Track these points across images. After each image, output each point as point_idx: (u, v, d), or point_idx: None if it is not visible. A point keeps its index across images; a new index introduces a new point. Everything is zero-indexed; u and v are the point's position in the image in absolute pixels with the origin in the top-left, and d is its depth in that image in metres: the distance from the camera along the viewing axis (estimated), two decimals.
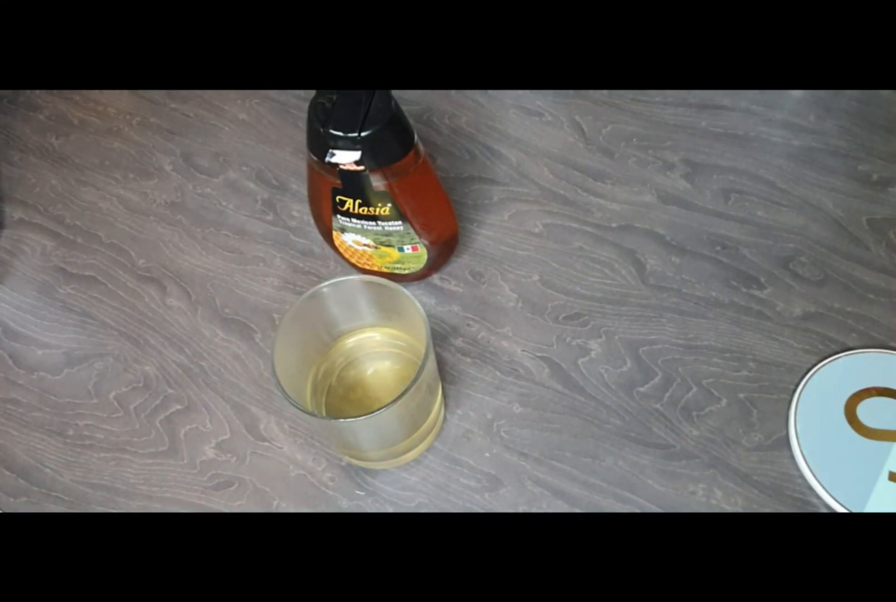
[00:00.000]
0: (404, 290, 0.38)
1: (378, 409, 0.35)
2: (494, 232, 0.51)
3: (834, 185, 0.51)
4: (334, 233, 0.43)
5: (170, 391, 0.47)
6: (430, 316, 0.48)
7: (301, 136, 0.57)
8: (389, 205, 0.39)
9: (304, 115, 0.58)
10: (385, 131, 0.37)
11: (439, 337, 0.47)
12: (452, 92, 0.58)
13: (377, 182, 0.38)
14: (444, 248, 0.47)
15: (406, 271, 0.47)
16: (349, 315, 0.43)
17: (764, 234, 0.49)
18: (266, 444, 0.45)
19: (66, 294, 0.52)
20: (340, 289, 0.40)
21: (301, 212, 0.53)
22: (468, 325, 0.48)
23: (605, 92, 0.56)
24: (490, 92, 0.57)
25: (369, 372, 0.45)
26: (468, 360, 0.47)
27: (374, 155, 0.37)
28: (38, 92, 0.62)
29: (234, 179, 0.56)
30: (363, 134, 0.36)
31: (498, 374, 0.46)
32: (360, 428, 0.38)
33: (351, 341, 0.45)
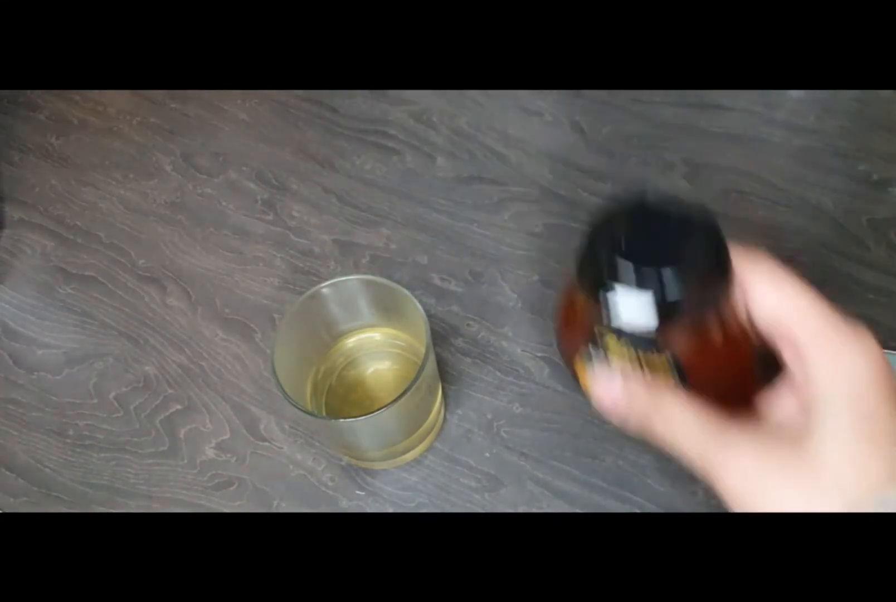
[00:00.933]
0: (404, 290, 0.38)
1: (378, 409, 0.35)
2: (494, 232, 0.51)
3: (834, 185, 0.51)
4: (577, 362, 0.31)
5: (170, 391, 0.47)
6: (430, 316, 0.48)
7: (301, 136, 0.57)
8: (666, 357, 0.27)
9: (304, 115, 0.58)
10: (692, 274, 0.24)
11: (439, 337, 0.47)
12: (452, 92, 0.58)
13: (660, 340, 0.27)
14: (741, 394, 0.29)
15: None
16: (349, 315, 0.43)
17: (764, 234, 0.49)
18: (266, 444, 0.45)
19: (66, 294, 0.52)
20: (340, 289, 0.40)
21: (301, 212, 0.53)
22: (468, 325, 0.48)
23: (605, 92, 0.56)
24: (490, 92, 0.57)
25: (369, 372, 0.45)
26: (468, 360, 0.47)
27: (669, 317, 0.25)
28: (38, 92, 0.62)
29: (234, 179, 0.56)
30: (668, 300, 0.24)
31: (498, 374, 0.46)
32: (360, 428, 0.38)
33: (351, 341, 0.45)
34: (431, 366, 0.39)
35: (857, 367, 0.24)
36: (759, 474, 0.25)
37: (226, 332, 0.49)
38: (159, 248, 0.53)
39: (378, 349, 0.45)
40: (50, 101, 0.61)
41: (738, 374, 0.28)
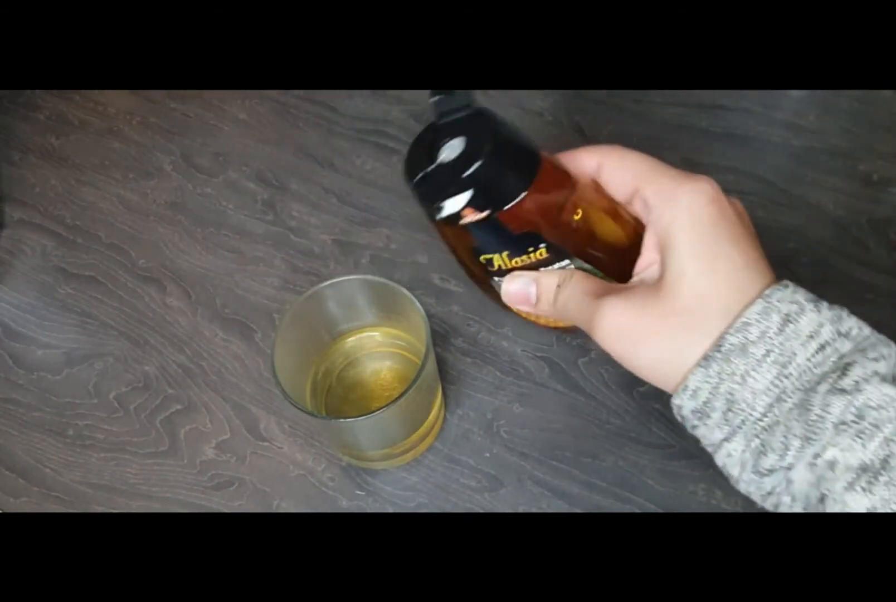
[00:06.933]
0: (404, 290, 0.38)
1: (378, 409, 0.35)
2: None
3: (834, 185, 0.51)
4: (491, 289, 0.35)
5: (170, 391, 0.47)
6: (430, 316, 0.48)
7: (301, 136, 0.57)
8: (543, 245, 0.30)
9: (304, 115, 0.58)
10: (491, 161, 0.28)
11: (439, 337, 0.47)
12: None
13: (514, 223, 0.29)
14: (627, 260, 0.32)
15: None
16: (349, 315, 0.43)
17: (764, 234, 0.49)
18: (266, 444, 0.45)
19: (66, 294, 0.52)
20: (340, 289, 0.40)
21: (301, 212, 0.53)
22: (468, 325, 0.48)
23: (605, 92, 0.56)
24: (490, 92, 0.57)
25: (369, 372, 0.45)
26: (468, 360, 0.47)
27: (491, 192, 0.28)
28: (38, 92, 0.62)
29: (234, 179, 0.56)
30: (466, 174, 0.28)
31: (498, 374, 0.46)
32: (360, 428, 0.38)
33: (351, 341, 0.45)
34: (431, 366, 0.39)
35: (692, 202, 0.26)
36: (627, 323, 0.27)
37: (226, 332, 0.49)
38: (159, 248, 0.53)
39: (378, 349, 0.45)
40: (50, 101, 0.61)
41: (614, 249, 0.31)
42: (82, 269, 0.53)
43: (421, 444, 0.43)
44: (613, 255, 0.32)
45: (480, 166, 0.28)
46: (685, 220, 0.26)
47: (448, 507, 0.42)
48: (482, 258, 0.31)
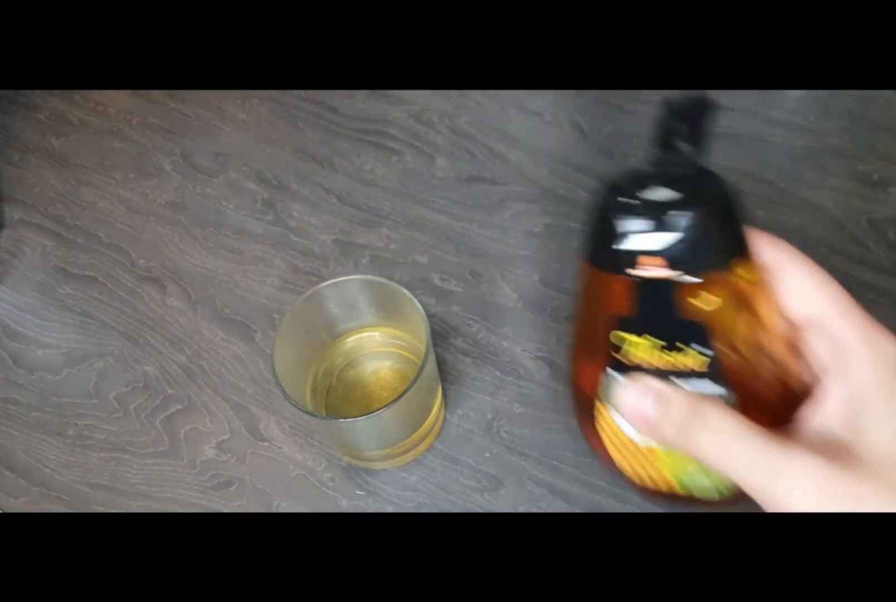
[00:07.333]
0: (404, 290, 0.38)
1: (378, 409, 0.35)
2: (494, 232, 0.51)
3: (834, 185, 0.51)
4: (598, 407, 0.26)
5: (170, 391, 0.47)
6: (430, 316, 0.48)
7: (301, 136, 0.57)
8: (701, 350, 0.23)
9: (304, 115, 0.58)
10: (711, 216, 0.24)
11: (439, 337, 0.47)
12: (452, 92, 0.58)
13: (693, 300, 0.23)
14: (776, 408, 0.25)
15: (715, 492, 0.27)
16: (349, 315, 0.43)
17: None
18: (266, 444, 0.45)
19: (66, 294, 0.52)
20: (340, 289, 0.40)
21: (301, 212, 0.53)
22: (468, 325, 0.48)
23: (605, 92, 0.56)
24: (490, 92, 0.57)
25: (369, 372, 0.45)
26: (468, 360, 0.47)
27: (689, 250, 0.23)
28: (38, 92, 0.62)
29: (234, 179, 0.56)
30: (674, 217, 0.23)
31: (498, 374, 0.46)
32: (360, 428, 0.38)
33: (351, 341, 0.45)
34: (431, 366, 0.39)
35: None
36: (828, 481, 0.22)
37: (226, 332, 0.49)
38: (159, 248, 0.53)
39: (378, 349, 0.45)
40: (50, 101, 0.61)
41: (779, 370, 0.25)
42: (82, 269, 0.53)
43: (421, 444, 0.43)
44: (773, 388, 0.25)
45: (694, 217, 0.23)
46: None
47: (448, 507, 0.42)
48: (616, 335, 0.24)
